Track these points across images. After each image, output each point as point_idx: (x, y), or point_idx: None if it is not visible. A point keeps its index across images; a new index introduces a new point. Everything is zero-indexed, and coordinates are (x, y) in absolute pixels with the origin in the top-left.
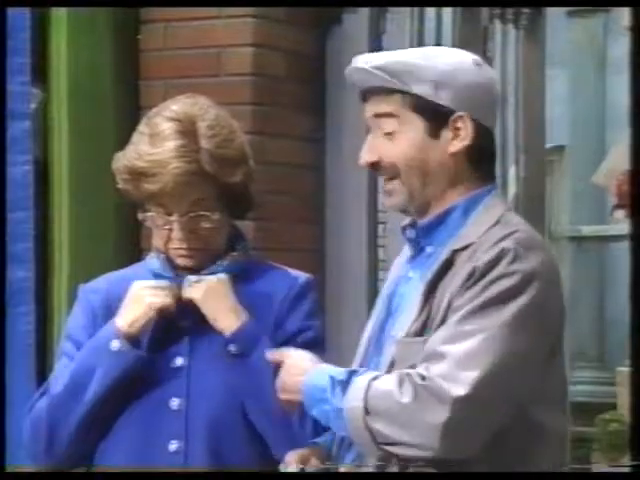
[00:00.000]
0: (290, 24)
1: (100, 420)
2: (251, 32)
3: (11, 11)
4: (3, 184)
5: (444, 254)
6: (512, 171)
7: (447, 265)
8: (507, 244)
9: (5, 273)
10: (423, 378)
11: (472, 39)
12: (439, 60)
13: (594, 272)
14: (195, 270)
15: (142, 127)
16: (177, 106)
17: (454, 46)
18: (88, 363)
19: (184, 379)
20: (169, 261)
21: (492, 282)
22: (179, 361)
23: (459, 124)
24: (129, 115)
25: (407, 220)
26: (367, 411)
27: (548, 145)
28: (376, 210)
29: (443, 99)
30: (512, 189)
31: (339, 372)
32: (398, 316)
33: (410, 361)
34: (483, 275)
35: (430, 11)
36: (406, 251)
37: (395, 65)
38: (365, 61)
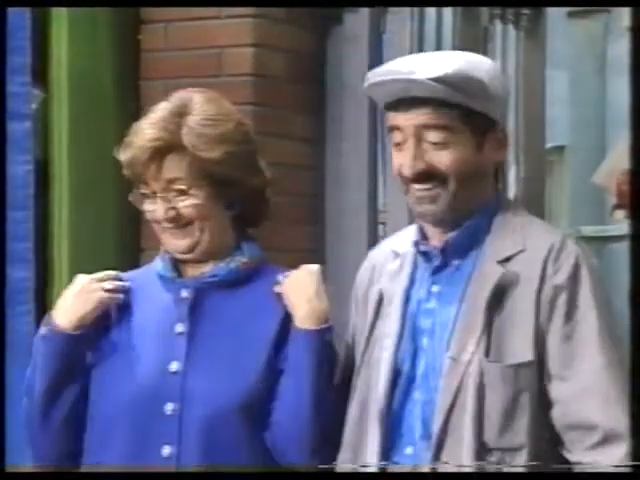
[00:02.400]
0: (290, 24)
1: (66, 413)
2: (251, 32)
3: (11, 11)
4: (3, 184)
5: (487, 267)
6: (512, 171)
7: (500, 279)
8: (574, 251)
9: (5, 273)
10: None
11: (472, 40)
12: (480, 70)
13: None
14: (194, 261)
15: None
16: (184, 91)
17: (454, 47)
18: (34, 362)
19: (179, 384)
20: (173, 262)
21: (591, 295)
22: (174, 366)
23: (500, 134)
24: (129, 115)
25: (416, 234)
26: None
27: (548, 145)
28: (376, 210)
29: (490, 110)
30: (512, 189)
31: None
32: (441, 335)
33: (487, 386)
34: (573, 294)
35: (430, 11)
36: (389, 259)
37: (454, 76)
38: (409, 71)
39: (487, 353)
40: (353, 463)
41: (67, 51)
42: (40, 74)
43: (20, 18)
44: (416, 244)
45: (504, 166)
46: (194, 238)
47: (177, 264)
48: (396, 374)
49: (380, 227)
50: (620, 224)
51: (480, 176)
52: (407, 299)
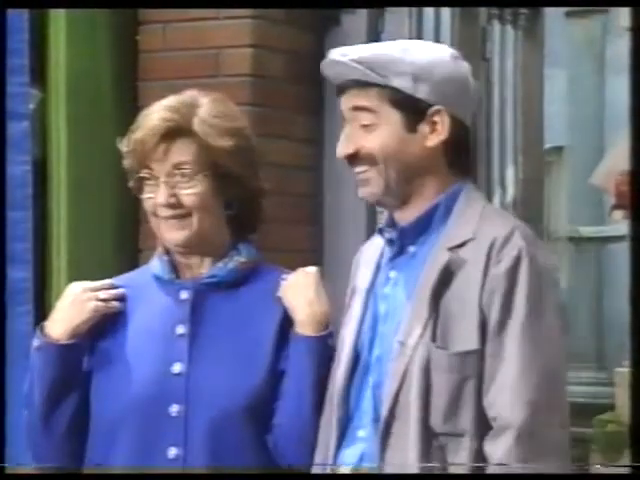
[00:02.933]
0: (288, 25)
1: (68, 421)
2: (249, 33)
3: (9, 12)
4: (2, 184)
5: (438, 254)
6: (510, 172)
7: (447, 265)
8: (518, 244)
9: (4, 273)
10: None
11: (470, 40)
12: (417, 53)
13: (592, 273)
14: (191, 254)
15: None
16: (191, 91)
17: (453, 47)
18: (31, 374)
19: (183, 385)
20: (170, 263)
21: (524, 292)
22: (177, 367)
23: (436, 118)
24: (127, 116)
25: (384, 221)
26: None
27: (546, 146)
28: (375, 211)
29: (421, 93)
30: (510, 190)
31: None
32: (393, 320)
33: (433, 371)
34: (510, 286)
35: (429, 12)
36: (369, 249)
37: (374, 58)
38: (343, 54)
39: (434, 338)
40: (325, 459)
41: (65, 52)
42: (38, 74)
43: (18, 19)
44: (380, 231)
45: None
46: (192, 230)
47: (175, 265)
48: (356, 360)
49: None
50: (619, 224)
51: (419, 160)
52: (372, 286)
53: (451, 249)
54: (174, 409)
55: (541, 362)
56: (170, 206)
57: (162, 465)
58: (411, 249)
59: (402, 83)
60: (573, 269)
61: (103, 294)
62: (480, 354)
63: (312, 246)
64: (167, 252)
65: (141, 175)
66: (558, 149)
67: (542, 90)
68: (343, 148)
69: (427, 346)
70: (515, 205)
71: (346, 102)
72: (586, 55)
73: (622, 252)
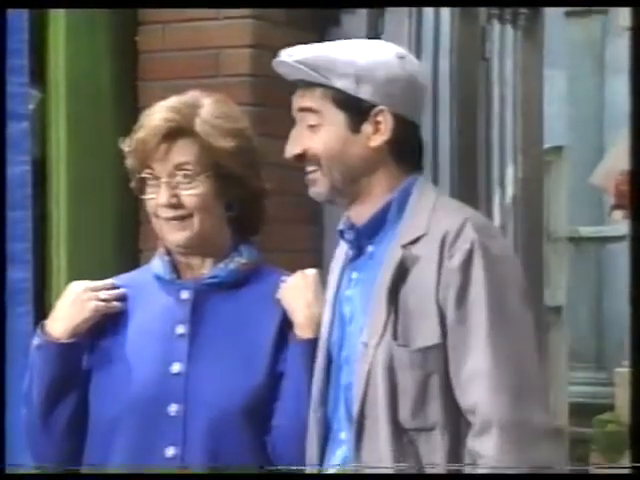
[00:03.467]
0: (288, 25)
1: (67, 420)
2: (249, 33)
3: (9, 12)
4: (2, 184)
5: (393, 252)
6: (510, 172)
7: (402, 263)
8: (470, 236)
9: (4, 273)
10: None
11: (470, 40)
12: (359, 54)
13: (592, 273)
14: (192, 254)
15: None
16: (193, 91)
17: (452, 47)
18: (30, 373)
19: (182, 385)
20: (171, 264)
21: (481, 283)
22: (176, 367)
23: (379, 118)
24: (127, 116)
25: (343, 224)
26: None
27: (546, 145)
28: None
29: (363, 93)
30: (510, 189)
31: None
32: (357, 321)
33: (397, 369)
34: (465, 279)
35: (428, 12)
36: (340, 254)
37: (316, 59)
38: (288, 54)
39: (395, 336)
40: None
41: (65, 52)
42: (38, 75)
43: (18, 19)
44: (340, 233)
45: (503, 165)
46: (193, 231)
47: (176, 266)
48: (328, 362)
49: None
50: (618, 224)
51: (363, 160)
52: (338, 288)
53: (404, 246)
54: (173, 409)
55: (511, 349)
56: (171, 206)
57: (160, 464)
58: (369, 249)
59: (344, 84)
60: (573, 269)
61: (104, 294)
62: (442, 348)
63: (313, 246)
64: (168, 252)
65: (142, 175)
66: (558, 149)
67: (542, 90)
68: (290, 148)
69: (389, 345)
70: (515, 205)
71: (294, 102)
72: (586, 55)
73: (622, 252)
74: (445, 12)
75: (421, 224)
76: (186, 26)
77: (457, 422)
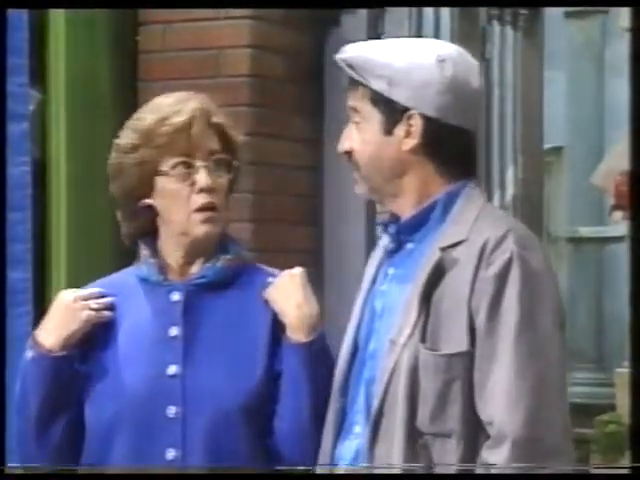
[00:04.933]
0: (288, 25)
1: (64, 429)
2: (249, 33)
3: (10, 12)
4: (2, 185)
5: (431, 253)
6: (510, 172)
7: (438, 265)
8: (510, 247)
9: (4, 274)
10: None
11: (470, 40)
12: (397, 56)
13: (592, 273)
14: (195, 253)
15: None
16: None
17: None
18: (23, 384)
19: (179, 387)
20: (158, 266)
21: (515, 296)
22: (172, 369)
23: (411, 122)
24: (127, 116)
25: (387, 216)
26: None
27: (546, 146)
28: (374, 211)
29: (396, 95)
30: (510, 190)
31: None
32: (388, 317)
33: (421, 371)
34: (499, 289)
35: (428, 12)
36: (379, 250)
37: (356, 58)
38: (342, 52)
39: (423, 339)
40: (324, 453)
41: (65, 52)
42: (38, 75)
43: (18, 19)
44: (384, 226)
45: (503, 166)
46: (217, 227)
47: (162, 267)
48: (354, 355)
49: (378, 228)
50: (618, 225)
51: (398, 162)
52: (374, 281)
53: (443, 249)
54: (171, 411)
55: (537, 366)
56: (210, 191)
57: (160, 467)
58: (409, 246)
59: (379, 85)
60: (573, 269)
61: (95, 304)
62: (468, 356)
63: (312, 246)
64: (153, 254)
65: (178, 161)
66: (558, 149)
67: (541, 90)
68: (340, 145)
69: (416, 346)
70: (515, 205)
71: (347, 100)
72: (585, 56)
73: (622, 252)
74: (445, 12)
75: (463, 229)
76: (186, 26)
77: (474, 432)
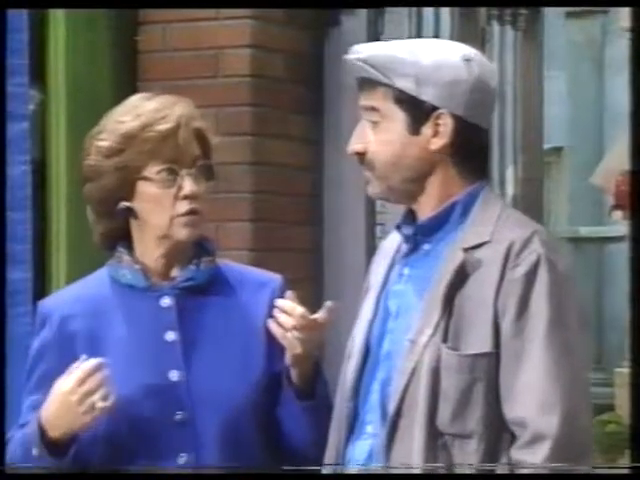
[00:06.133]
0: (288, 25)
1: (75, 455)
2: (249, 33)
3: (10, 12)
4: (2, 185)
5: (453, 254)
6: (510, 172)
7: (462, 266)
8: (537, 249)
9: (4, 274)
10: None
11: (470, 40)
12: (423, 55)
13: (592, 273)
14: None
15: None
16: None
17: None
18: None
19: (184, 391)
20: (144, 272)
21: (545, 297)
22: (174, 374)
23: (440, 121)
24: None
25: (402, 217)
26: None
27: (546, 146)
28: (374, 211)
29: (424, 95)
30: (510, 190)
31: None
32: (404, 318)
33: (442, 371)
34: (527, 291)
35: (428, 12)
36: (389, 247)
37: (379, 58)
38: (355, 51)
39: (445, 339)
40: (335, 454)
41: (65, 52)
42: (38, 75)
43: (18, 19)
44: (398, 227)
45: (503, 165)
46: (197, 230)
47: (146, 273)
48: (366, 355)
49: (378, 228)
50: (618, 225)
51: (423, 162)
52: (386, 281)
53: (466, 250)
54: (179, 416)
55: (569, 367)
56: (195, 198)
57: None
58: (426, 247)
59: (406, 84)
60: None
61: (101, 403)
62: (492, 357)
63: (312, 246)
64: (136, 260)
65: (163, 168)
66: (558, 149)
67: (542, 90)
68: (351, 145)
69: (437, 346)
70: (515, 205)
71: (360, 100)
72: (585, 56)
73: (622, 252)
74: (445, 12)
75: (486, 231)
76: (186, 26)
77: (496, 433)
